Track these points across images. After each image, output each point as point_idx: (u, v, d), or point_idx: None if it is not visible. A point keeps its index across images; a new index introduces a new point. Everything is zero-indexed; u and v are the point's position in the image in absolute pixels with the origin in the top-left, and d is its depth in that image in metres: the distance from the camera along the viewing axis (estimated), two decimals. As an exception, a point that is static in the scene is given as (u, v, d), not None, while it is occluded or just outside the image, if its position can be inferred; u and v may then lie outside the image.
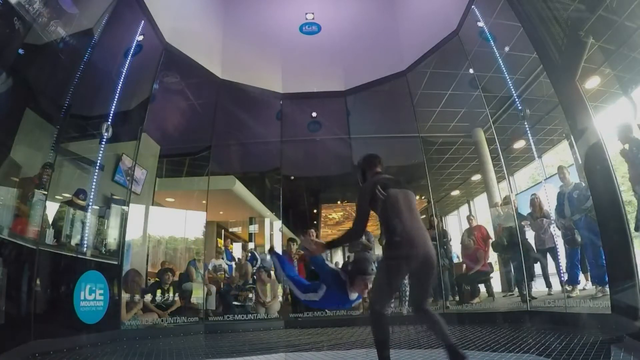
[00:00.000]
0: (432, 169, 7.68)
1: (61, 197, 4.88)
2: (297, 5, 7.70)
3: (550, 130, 5.99)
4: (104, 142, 5.19)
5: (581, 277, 4.73)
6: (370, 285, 2.29)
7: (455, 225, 9.81)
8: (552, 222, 5.06)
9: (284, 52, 7.66)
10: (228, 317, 6.13)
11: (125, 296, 5.29)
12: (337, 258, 8.86)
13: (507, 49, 5.53)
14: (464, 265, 6.30)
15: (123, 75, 5.53)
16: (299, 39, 7.64)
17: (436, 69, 7.10)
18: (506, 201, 6.13)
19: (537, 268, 5.44)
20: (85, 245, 4.84)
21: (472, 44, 6.19)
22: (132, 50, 5.73)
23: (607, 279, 3.92)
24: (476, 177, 8.78)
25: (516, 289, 5.67)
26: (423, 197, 8.67)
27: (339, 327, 5.48)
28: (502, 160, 6.19)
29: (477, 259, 6.06)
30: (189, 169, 8.05)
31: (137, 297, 5.45)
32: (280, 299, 6.57)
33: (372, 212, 2.33)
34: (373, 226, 6.19)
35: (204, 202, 7.00)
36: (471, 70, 6.42)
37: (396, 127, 7.89)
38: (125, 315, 5.18)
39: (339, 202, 9.67)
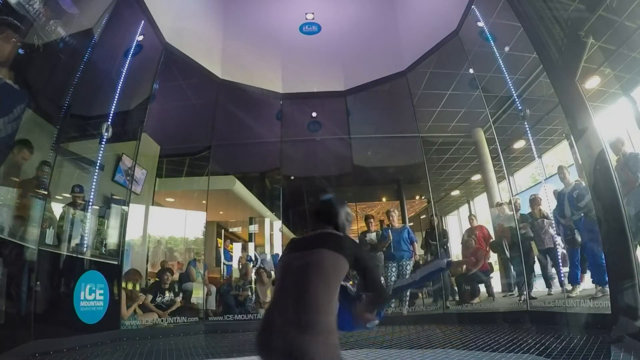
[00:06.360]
0: (432, 169, 7.69)
1: (61, 197, 4.88)
2: (297, 5, 7.70)
3: (550, 130, 5.99)
4: (104, 142, 5.19)
5: (581, 277, 4.73)
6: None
7: (455, 225, 9.82)
8: (552, 222, 5.06)
9: (284, 52, 7.67)
10: (228, 317, 6.13)
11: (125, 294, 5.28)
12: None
13: (507, 49, 5.53)
14: (464, 265, 6.28)
15: (123, 75, 5.52)
16: (299, 39, 7.64)
17: (436, 69, 7.10)
18: (512, 203, 6.07)
19: (537, 268, 5.44)
20: (85, 245, 4.83)
21: (472, 44, 6.19)
22: (132, 50, 5.73)
23: (607, 279, 3.92)
24: (476, 177, 8.79)
25: (516, 289, 5.66)
26: (423, 197, 8.69)
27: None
28: (502, 160, 6.19)
29: (477, 258, 6.05)
30: (189, 169, 8.04)
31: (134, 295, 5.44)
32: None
33: None
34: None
35: (204, 202, 7.00)
36: (471, 70, 6.43)
37: (396, 127, 7.91)
38: (125, 312, 5.18)
39: (338, 202, 9.65)
